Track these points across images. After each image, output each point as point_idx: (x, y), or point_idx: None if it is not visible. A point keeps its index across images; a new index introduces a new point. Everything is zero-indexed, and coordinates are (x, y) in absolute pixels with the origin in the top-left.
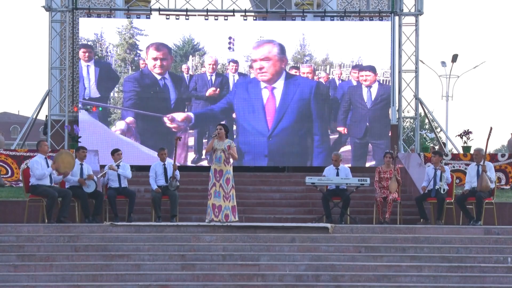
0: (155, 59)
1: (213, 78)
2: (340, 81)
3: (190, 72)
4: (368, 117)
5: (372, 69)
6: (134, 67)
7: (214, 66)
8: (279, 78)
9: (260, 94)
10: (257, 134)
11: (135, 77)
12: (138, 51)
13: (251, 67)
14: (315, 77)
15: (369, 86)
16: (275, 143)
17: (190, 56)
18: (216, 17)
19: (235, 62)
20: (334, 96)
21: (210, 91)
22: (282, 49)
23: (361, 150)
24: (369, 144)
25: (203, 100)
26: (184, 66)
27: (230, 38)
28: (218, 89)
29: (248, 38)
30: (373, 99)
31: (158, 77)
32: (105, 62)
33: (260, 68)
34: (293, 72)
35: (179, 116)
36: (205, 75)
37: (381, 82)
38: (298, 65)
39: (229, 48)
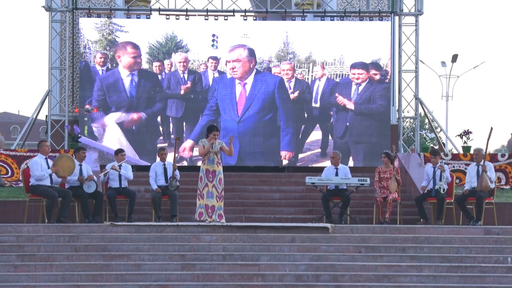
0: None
1: (186, 76)
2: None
3: (166, 70)
4: (349, 117)
5: (365, 66)
6: (114, 64)
7: (184, 64)
8: (249, 75)
9: (235, 89)
10: (230, 120)
11: (107, 75)
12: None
13: (226, 65)
14: (299, 75)
15: (358, 84)
16: (243, 126)
17: (173, 54)
18: (216, 17)
19: (215, 59)
20: (311, 92)
21: (184, 88)
22: (251, 52)
23: (339, 149)
24: (349, 144)
25: (177, 99)
26: (155, 64)
27: (213, 35)
28: (190, 83)
29: (232, 36)
30: (359, 98)
31: (127, 72)
32: (84, 60)
33: (232, 68)
34: (277, 69)
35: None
36: (177, 73)
37: (374, 80)
38: (279, 63)
39: (212, 45)
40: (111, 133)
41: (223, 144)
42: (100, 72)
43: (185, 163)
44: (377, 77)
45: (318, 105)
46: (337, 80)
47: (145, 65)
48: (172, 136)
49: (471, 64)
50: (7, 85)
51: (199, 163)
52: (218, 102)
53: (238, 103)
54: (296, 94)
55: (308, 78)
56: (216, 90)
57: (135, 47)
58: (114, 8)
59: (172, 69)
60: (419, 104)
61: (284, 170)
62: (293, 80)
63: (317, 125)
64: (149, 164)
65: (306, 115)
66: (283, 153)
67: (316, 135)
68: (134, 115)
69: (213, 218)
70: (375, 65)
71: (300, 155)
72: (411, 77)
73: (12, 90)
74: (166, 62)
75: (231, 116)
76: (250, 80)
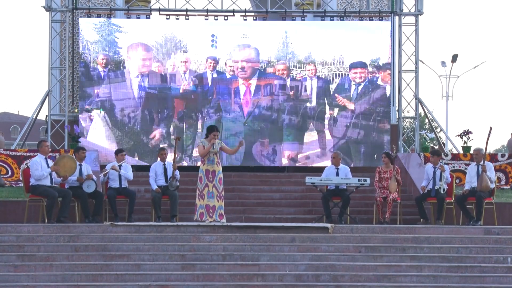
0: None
1: (187, 76)
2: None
3: (169, 70)
4: (349, 117)
5: (365, 66)
6: (114, 65)
7: (186, 64)
8: (254, 75)
9: (239, 89)
10: (233, 120)
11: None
12: (117, 49)
13: (226, 65)
14: (298, 75)
15: (358, 84)
16: (248, 126)
17: (175, 53)
18: (216, 17)
19: (213, 59)
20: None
21: (183, 86)
22: (257, 53)
23: (339, 149)
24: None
25: (178, 99)
26: (155, 65)
27: (213, 36)
28: (191, 84)
29: (232, 36)
30: (359, 97)
31: (136, 73)
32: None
33: (242, 68)
34: (270, 69)
35: None
36: (178, 73)
37: (375, 80)
38: (273, 63)
39: (212, 45)
40: (99, 129)
41: (223, 144)
42: (102, 74)
43: (185, 163)
44: (387, 79)
45: (314, 104)
46: (336, 80)
47: (147, 66)
48: (172, 136)
49: (471, 64)
50: (7, 85)
51: (199, 163)
52: (220, 103)
53: (243, 104)
54: (291, 93)
55: (306, 78)
56: (217, 90)
57: (147, 49)
58: (114, 8)
59: (174, 70)
60: (419, 104)
61: (284, 170)
62: (288, 80)
63: (316, 125)
64: (149, 164)
65: (304, 115)
66: (286, 153)
67: (316, 135)
68: (156, 133)
69: (214, 218)
70: (386, 66)
71: (300, 155)
72: (411, 77)
73: (12, 90)
74: (169, 62)
75: (235, 117)
76: (254, 80)
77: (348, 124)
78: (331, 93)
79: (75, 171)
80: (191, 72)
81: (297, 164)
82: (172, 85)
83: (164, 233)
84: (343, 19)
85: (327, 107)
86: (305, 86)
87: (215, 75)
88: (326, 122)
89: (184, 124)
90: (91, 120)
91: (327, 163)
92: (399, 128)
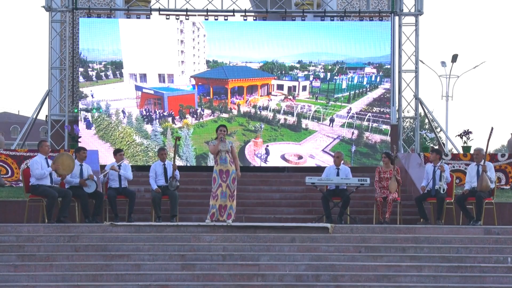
0: None
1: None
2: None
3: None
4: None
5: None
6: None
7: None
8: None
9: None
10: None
11: None
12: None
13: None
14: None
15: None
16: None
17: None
18: (216, 17)
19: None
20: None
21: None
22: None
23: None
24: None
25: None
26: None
27: (211, 36)
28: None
29: (230, 36)
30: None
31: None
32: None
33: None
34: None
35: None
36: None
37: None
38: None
39: (210, 45)
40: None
41: (233, 145)
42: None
43: (185, 163)
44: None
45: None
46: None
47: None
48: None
49: (471, 64)
50: (7, 85)
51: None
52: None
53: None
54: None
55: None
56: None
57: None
58: (114, 8)
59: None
60: (419, 104)
61: (284, 170)
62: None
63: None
64: (149, 164)
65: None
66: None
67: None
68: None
69: (224, 217)
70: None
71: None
72: (411, 77)
73: (12, 90)
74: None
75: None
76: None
77: (347, 124)
78: (329, 93)
79: (73, 169)
80: (188, 72)
81: (290, 164)
82: (170, 85)
83: (164, 233)
84: (343, 19)
85: (324, 107)
86: (303, 86)
87: (212, 75)
88: (322, 122)
89: (182, 124)
90: (88, 120)
91: (320, 163)
92: (399, 128)
